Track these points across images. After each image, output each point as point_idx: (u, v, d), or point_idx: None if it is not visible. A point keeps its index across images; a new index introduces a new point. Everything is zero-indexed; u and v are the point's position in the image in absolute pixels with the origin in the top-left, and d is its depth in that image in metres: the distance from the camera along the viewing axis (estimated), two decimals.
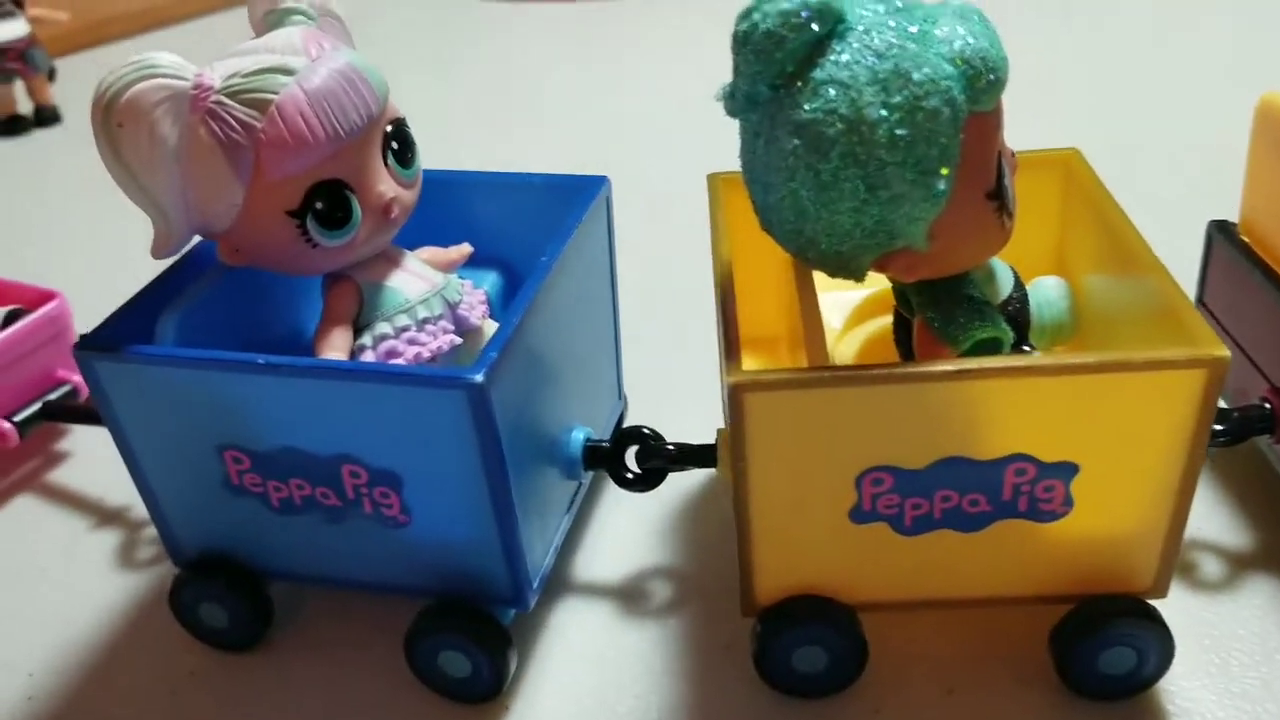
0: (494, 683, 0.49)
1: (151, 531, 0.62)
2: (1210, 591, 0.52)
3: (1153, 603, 0.47)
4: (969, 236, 0.42)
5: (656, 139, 1.03)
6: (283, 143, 0.44)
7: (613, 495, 0.61)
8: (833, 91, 0.38)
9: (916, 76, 0.38)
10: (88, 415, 0.66)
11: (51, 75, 1.18)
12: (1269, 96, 0.53)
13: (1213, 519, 0.56)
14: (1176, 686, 0.48)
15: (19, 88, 1.18)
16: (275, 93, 0.44)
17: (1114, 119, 1.00)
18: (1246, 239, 0.57)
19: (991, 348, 0.44)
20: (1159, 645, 0.47)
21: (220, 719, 0.51)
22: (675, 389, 0.66)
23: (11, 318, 0.68)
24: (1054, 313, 0.53)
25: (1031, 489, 0.44)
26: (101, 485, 0.66)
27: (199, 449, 0.49)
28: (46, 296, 0.68)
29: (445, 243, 0.55)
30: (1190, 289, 0.59)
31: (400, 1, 1.50)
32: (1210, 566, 0.54)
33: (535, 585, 0.50)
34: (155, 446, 0.50)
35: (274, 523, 0.50)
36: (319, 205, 0.46)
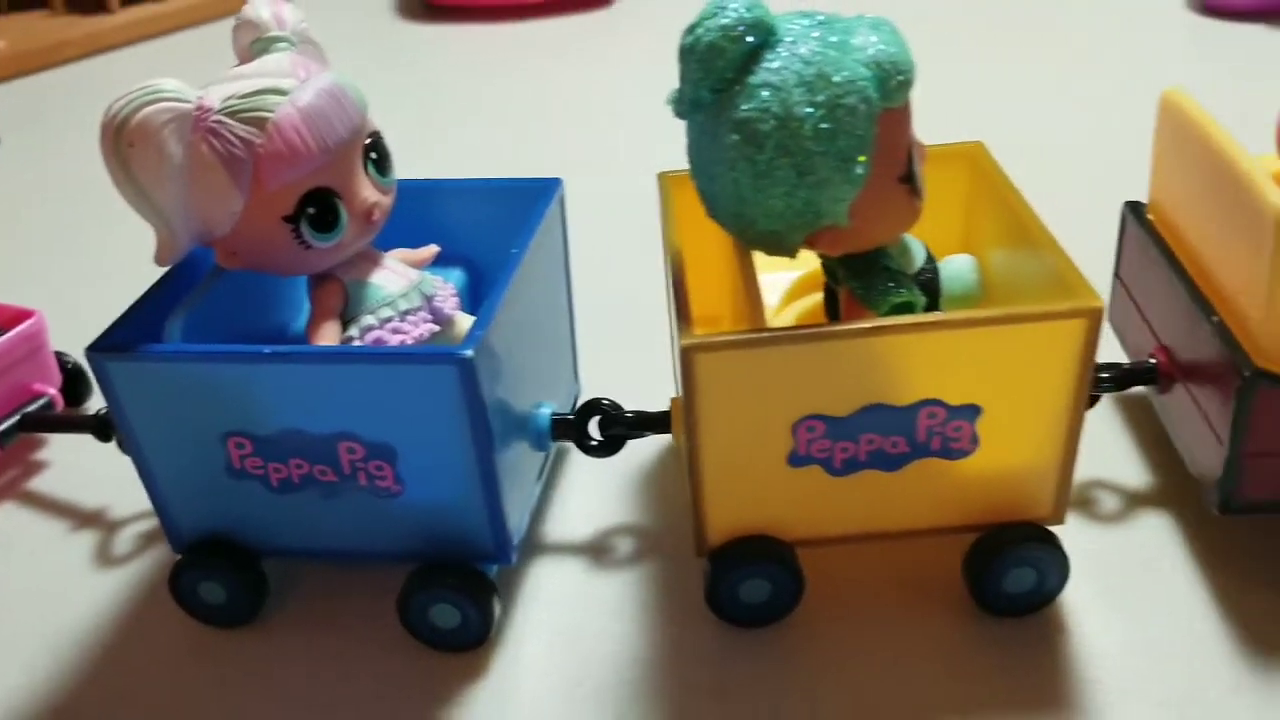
0: (482, 629, 0.55)
1: (131, 529, 0.66)
2: (1107, 523, 0.60)
3: (1055, 530, 0.54)
4: (884, 214, 0.49)
5: (604, 144, 1.09)
6: (280, 156, 0.49)
7: (576, 468, 0.67)
8: (766, 93, 0.45)
9: (837, 79, 0.45)
10: (65, 424, 0.70)
11: None
12: (1168, 93, 0.59)
13: (1114, 463, 0.64)
14: (1074, 603, 0.55)
15: None
16: (271, 111, 0.49)
17: (1047, 115, 1.10)
18: (1152, 218, 0.63)
19: (907, 311, 0.51)
20: (1056, 565, 0.54)
21: (221, 693, 0.55)
22: (629, 371, 0.73)
23: None
24: (964, 285, 0.59)
25: (943, 430, 0.51)
26: (79, 490, 0.70)
27: (204, 438, 0.53)
28: (23, 315, 0.71)
29: (414, 245, 0.61)
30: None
31: (337, 29, 1.55)
32: (1109, 503, 0.62)
33: (515, 542, 0.56)
34: (161, 439, 0.54)
35: (272, 502, 0.55)
36: (311, 211, 0.51)
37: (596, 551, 0.61)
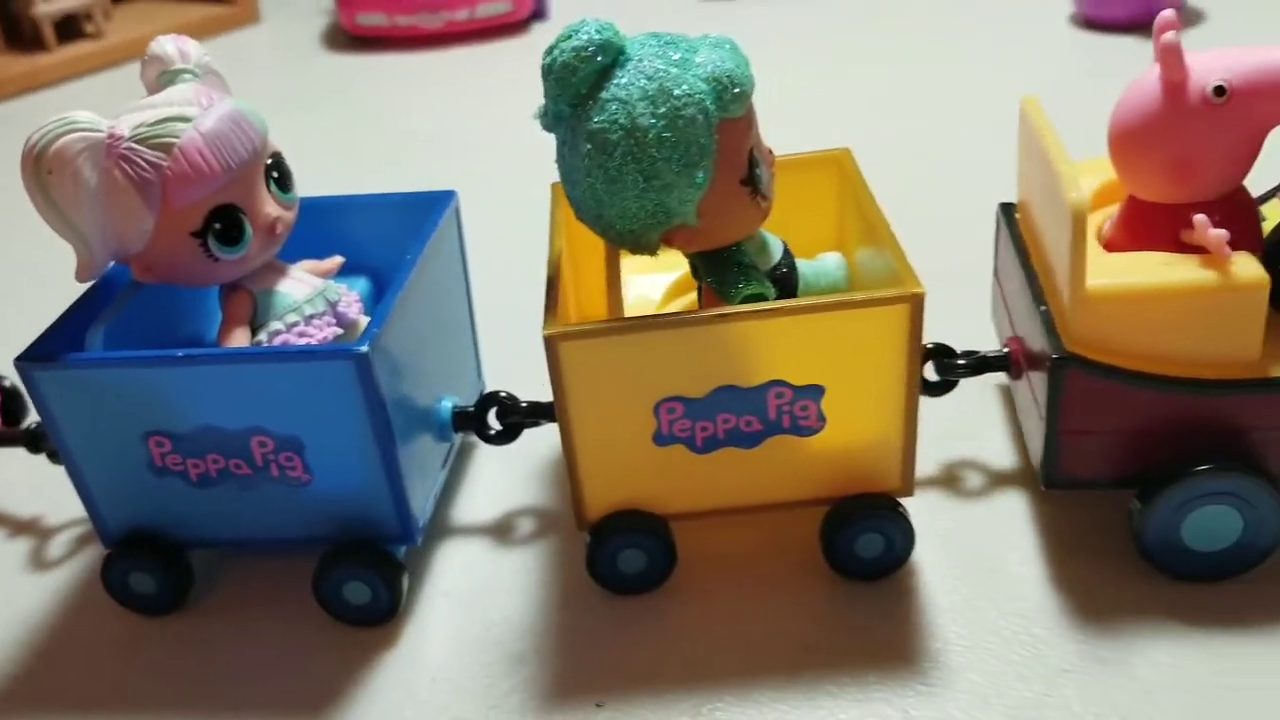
0: (391, 604, 0.60)
1: (65, 534, 0.70)
2: (969, 499, 0.66)
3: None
4: (730, 214, 0.54)
5: (515, 160, 1.14)
6: (185, 177, 0.54)
7: (484, 457, 0.73)
8: (614, 107, 0.51)
9: (676, 92, 0.51)
10: None
11: None
12: (1024, 100, 0.63)
13: (985, 445, 0.69)
14: (930, 569, 0.60)
15: None
16: (177, 137, 0.54)
17: (945, 123, 1.17)
18: (1019, 217, 0.67)
19: (757, 301, 0.56)
20: (901, 532, 0.58)
21: (155, 678, 0.59)
22: (534, 368, 0.78)
23: None
24: (830, 280, 0.63)
25: (791, 409, 0.56)
26: (12, 502, 0.74)
27: (126, 438, 0.58)
28: None
29: (322, 257, 0.66)
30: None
31: (267, 64, 1.61)
32: (974, 480, 0.67)
33: (421, 525, 0.61)
34: (87, 441, 0.59)
35: (193, 496, 0.60)
36: (217, 226, 0.57)
37: (500, 531, 0.67)
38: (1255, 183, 0.59)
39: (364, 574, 0.59)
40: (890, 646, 0.57)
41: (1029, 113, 0.63)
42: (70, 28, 1.63)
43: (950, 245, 0.86)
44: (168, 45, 0.59)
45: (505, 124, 1.27)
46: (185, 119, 0.55)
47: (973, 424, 0.71)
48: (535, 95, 0.54)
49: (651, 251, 0.56)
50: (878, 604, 0.59)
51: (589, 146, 0.52)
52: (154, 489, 0.60)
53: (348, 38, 1.63)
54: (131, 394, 0.57)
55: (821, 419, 0.57)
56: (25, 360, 0.56)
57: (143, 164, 0.54)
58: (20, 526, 0.72)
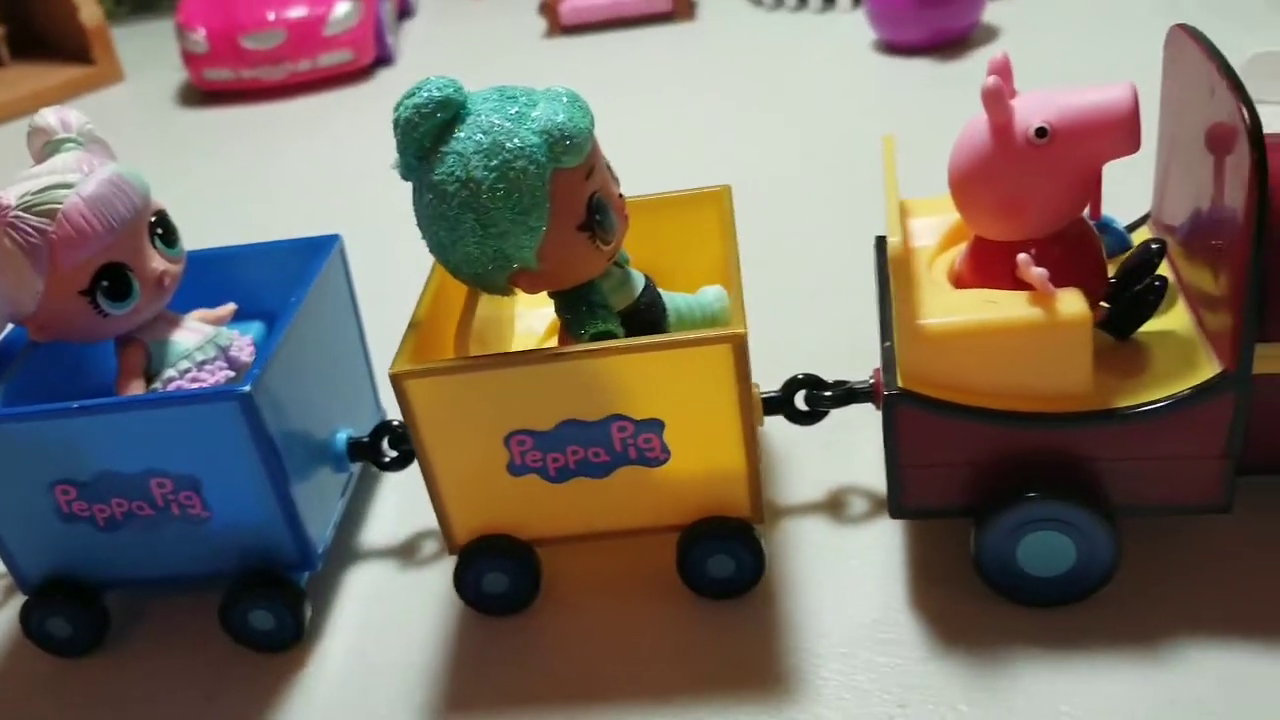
0: (295, 630, 0.63)
1: None
2: (849, 523, 0.67)
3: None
4: (570, 259, 0.57)
5: (370, 203, 1.17)
6: (70, 240, 0.58)
7: (389, 483, 0.76)
8: (452, 160, 0.55)
9: (509, 146, 0.54)
10: None
11: None
12: (886, 140, 0.63)
13: (873, 469, 0.70)
14: (794, 587, 0.62)
15: None
16: (60, 203, 0.58)
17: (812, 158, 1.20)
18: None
19: (606, 339, 0.57)
20: (750, 554, 0.60)
21: (80, 713, 0.63)
22: None
23: None
24: (707, 312, 0.64)
25: (634, 441, 0.58)
26: None
27: (34, 489, 0.61)
28: None
29: (217, 305, 0.70)
30: None
31: (125, 123, 1.65)
32: (858, 506, 0.68)
33: (320, 551, 0.64)
34: None
35: (102, 540, 0.63)
36: (105, 283, 0.60)
37: (404, 553, 0.71)
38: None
39: (266, 602, 0.62)
40: (747, 666, 0.58)
41: (885, 152, 0.63)
42: None
43: (848, 272, 0.90)
44: (50, 117, 0.62)
45: (358, 168, 1.31)
46: (68, 185, 0.59)
47: (863, 451, 0.72)
48: (385, 139, 0.58)
49: (501, 293, 0.59)
50: (741, 625, 0.61)
51: (430, 196, 0.56)
52: (65, 536, 0.63)
53: (200, 94, 1.68)
54: (35, 447, 0.60)
55: (666, 451, 0.59)
56: None
57: (29, 230, 0.58)
58: None
